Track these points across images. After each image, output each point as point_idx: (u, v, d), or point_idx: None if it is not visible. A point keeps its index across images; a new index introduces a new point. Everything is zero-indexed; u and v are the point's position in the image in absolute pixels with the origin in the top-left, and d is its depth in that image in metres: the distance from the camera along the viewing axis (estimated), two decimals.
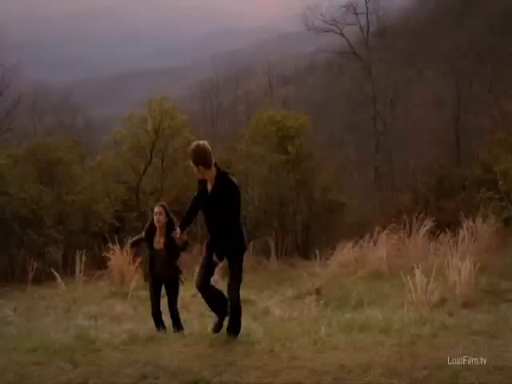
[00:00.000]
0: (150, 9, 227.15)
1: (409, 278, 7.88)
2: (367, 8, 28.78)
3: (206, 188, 5.87)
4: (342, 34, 29.19)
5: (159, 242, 7.08)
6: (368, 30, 28.87)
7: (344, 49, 31.19)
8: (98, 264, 12.10)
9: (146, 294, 9.41)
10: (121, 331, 6.39)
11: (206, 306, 6.28)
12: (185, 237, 6.46)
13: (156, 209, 7.07)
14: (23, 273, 11.38)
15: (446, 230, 12.60)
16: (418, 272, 7.95)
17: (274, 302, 8.83)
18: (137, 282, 9.68)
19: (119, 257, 10.70)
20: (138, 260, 10.39)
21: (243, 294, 9.35)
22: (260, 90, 34.22)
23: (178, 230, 6.27)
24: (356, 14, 28.90)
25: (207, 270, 5.94)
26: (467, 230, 11.43)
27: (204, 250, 6.02)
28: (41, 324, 7.55)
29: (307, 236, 15.39)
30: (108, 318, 7.92)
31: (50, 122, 32.14)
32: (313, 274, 11.02)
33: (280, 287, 10.73)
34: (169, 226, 7.00)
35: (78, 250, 10.95)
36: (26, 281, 11.05)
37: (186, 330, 6.47)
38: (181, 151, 13.46)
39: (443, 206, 17.53)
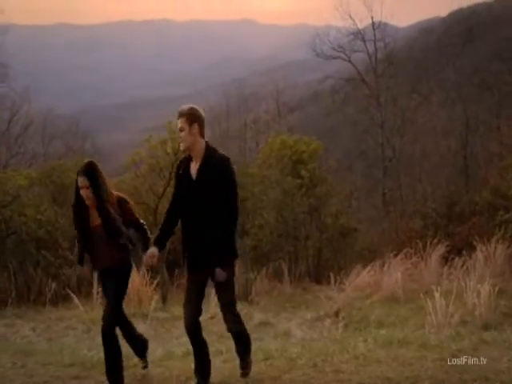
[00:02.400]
0: (155, 38, 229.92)
1: (428, 300, 7.94)
2: (375, 35, 29.16)
3: (188, 169, 4.80)
4: (350, 61, 29.54)
5: (94, 216, 5.30)
6: (376, 57, 29.21)
7: (351, 76, 31.55)
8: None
9: (165, 315, 9.46)
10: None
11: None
12: (155, 260, 4.88)
13: (79, 181, 5.21)
14: (39, 294, 11.39)
15: (459, 254, 12.72)
16: (437, 295, 8.01)
17: (293, 324, 8.82)
18: (156, 303, 9.67)
19: (136, 278, 10.71)
20: (156, 281, 10.42)
21: (261, 316, 9.42)
22: (268, 116, 34.49)
23: (152, 250, 4.84)
24: (364, 41, 29.26)
25: (197, 302, 4.78)
26: (481, 253, 11.56)
27: (186, 273, 4.84)
28: (63, 343, 7.55)
29: (319, 260, 15.39)
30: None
31: (59, 147, 32.47)
32: (328, 297, 11.04)
33: (297, 310, 10.73)
34: (99, 195, 5.22)
35: (93, 272, 10.96)
36: (42, 302, 11.06)
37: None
38: None
39: (454, 232, 17.56)
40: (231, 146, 28.50)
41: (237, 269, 10.78)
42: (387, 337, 5.59)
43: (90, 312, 10.86)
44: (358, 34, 29.49)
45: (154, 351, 5.53)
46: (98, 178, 5.24)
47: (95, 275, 6.41)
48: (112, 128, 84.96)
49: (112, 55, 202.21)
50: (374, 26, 29.88)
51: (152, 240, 5.05)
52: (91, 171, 5.24)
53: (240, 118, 34.30)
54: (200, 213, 4.69)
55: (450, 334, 5.75)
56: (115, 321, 5.21)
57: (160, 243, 4.90)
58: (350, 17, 29.91)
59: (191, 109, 4.80)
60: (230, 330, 4.93)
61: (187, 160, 4.85)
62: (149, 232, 5.38)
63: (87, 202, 5.24)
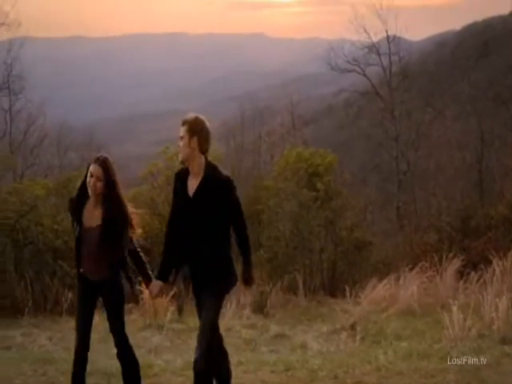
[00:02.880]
0: (168, 51, 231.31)
1: (445, 314, 7.92)
2: (389, 49, 29.22)
3: (185, 185, 4.60)
4: (364, 75, 29.60)
5: (92, 215, 4.74)
6: (390, 71, 29.27)
7: (365, 89, 31.62)
8: (128, 297, 12.10)
9: (181, 326, 9.46)
10: (164, 360, 6.39)
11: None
12: (162, 294, 4.74)
13: (92, 168, 4.71)
14: (55, 303, 11.44)
15: (475, 269, 12.67)
16: (454, 308, 7.98)
17: (309, 337, 8.79)
18: (172, 314, 9.69)
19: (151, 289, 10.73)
20: (172, 292, 10.41)
21: (277, 328, 9.40)
22: (283, 129, 34.59)
23: (156, 283, 4.63)
24: (379, 54, 29.33)
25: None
26: (498, 267, 11.50)
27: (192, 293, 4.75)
28: None
29: (333, 273, 15.37)
30: (145, 350, 7.91)
31: (74, 158, 32.72)
32: (344, 310, 11.01)
33: (312, 323, 10.68)
34: (108, 195, 4.78)
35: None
36: (58, 311, 11.10)
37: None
38: None
39: (469, 246, 17.48)
40: (246, 159, 28.60)
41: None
42: (407, 349, 5.57)
43: (105, 321, 10.91)
44: (373, 48, 29.61)
45: (173, 361, 5.54)
46: (113, 175, 4.81)
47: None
48: (124, 140, 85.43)
49: (126, 68, 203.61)
50: (389, 39, 29.98)
51: (156, 273, 4.78)
52: (107, 165, 4.80)
53: (254, 131, 34.42)
54: (197, 231, 4.49)
55: (470, 348, 5.70)
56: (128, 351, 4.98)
57: (163, 277, 4.67)
58: (365, 30, 30.04)
59: (195, 120, 4.58)
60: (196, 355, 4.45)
61: (185, 174, 4.65)
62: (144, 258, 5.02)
63: (91, 196, 4.74)
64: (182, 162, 4.65)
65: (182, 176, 4.64)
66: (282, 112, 36.32)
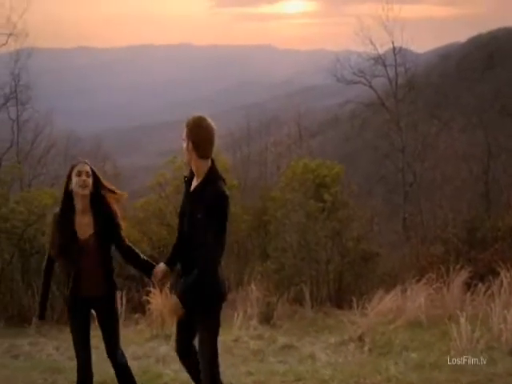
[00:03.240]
0: (175, 62, 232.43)
1: (453, 325, 7.89)
2: (396, 60, 29.29)
3: (190, 183, 4.46)
4: (370, 86, 29.65)
5: (83, 225, 4.51)
6: (397, 82, 29.33)
7: (371, 100, 31.67)
8: (136, 307, 12.13)
9: None
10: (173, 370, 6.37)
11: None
12: (168, 279, 4.64)
13: (79, 167, 4.55)
14: (61, 313, 11.44)
15: (482, 280, 12.63)
16: (462, 320, 7.96)
17: (317, 348, 8.75)
18: None
19: (159, 300, 10.73)
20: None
21: (284, 339, 9.37)
22: (289, 140, 34.66)
23: (161, 266, 4.50)
24: (385, 66, 29.41)
25: (187, 326, 4.42)
26: (505, 279, 11.46)
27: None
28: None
29: (340, 285, 15.35)
30: (153, 360, 7.91)
31: None
32: (351, 322, 10.98)
33: (319, 334, 10.65)
34: (97, 199, 4.62)
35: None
36: (64, 321, 11.09)
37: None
38: None
39: (476, 258, 17.44)
40: (252, 170, 28.62)
41: (260, 292, 10.76)
42: (418, 360, 5.55)
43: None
44: (379, 59, 29.69)
45: (182, 371, 5.51)
46: (96, 171, 4.68)
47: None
48: (131, 150, 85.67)
49: (132, 78, 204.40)
50: (395, 50, 30.05)
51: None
52: (90, 164, 4.70)
53: (261, 141, 34.50)
54: (189, 231, 4.32)
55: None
56: (125, 364, 4.81)
57: (170, 263, 4.51)
58: (371, 42, 30.12)
59: (193, 121, 4.37)
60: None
61: (192, 175, 4.50)
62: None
63: (79, 202, 4.52)
64: (187, 164, 4.51)
65: (189, 178, 4.49)
66: (288, 123, 36.41)
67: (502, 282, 11.41)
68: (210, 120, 4.37)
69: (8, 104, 30.02)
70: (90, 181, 4.53)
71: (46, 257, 4.87)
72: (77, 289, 4.61)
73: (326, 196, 13.48)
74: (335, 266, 14.96)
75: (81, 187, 4.48)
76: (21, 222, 12.34)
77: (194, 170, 4.37)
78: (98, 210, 4.59)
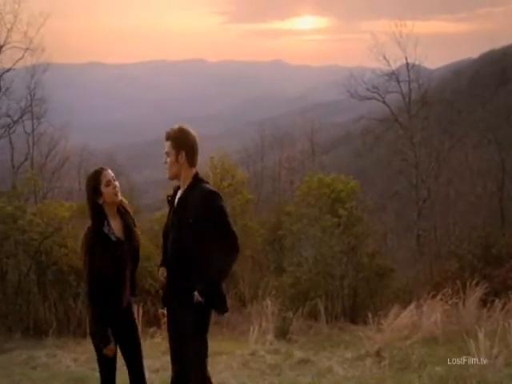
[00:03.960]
0: (187, 78, 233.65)
1: (472, 341, 7.85)
2: (409, 76, 29.36)
3: (174, 196, 4.41)
4: (384, 102, 29.71)
5: (116, 230, 4.46)
6: (410, 98, 29.39)
7: (384, 116, 31.71)
8: (151, 320, 12.14)
9: None
10: None
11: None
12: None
13: (105, 175, 4.45)
14: (78, 325, 11.49)
15: (498, 297, 12.58)
16: (481, 335, 7.91)
17: (334, 362, 8.73)
18: None
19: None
20: None
21: (301, 354, 9.34)
22: (302, 156, 34.75)
23: (162, 270, 4.42)
24: (398, 81, 29.48)
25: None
26: None
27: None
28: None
29: (354, 300, 15.31)
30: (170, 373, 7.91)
31: None
32: (367, 337, 10.95)
33: (335, 349, 10.61)
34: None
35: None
36: (81, 333, 11.13)
37: None
38: (239, 210, 13.72)
39: (491, 274, 17.37)
40: (265, 185, 28.71)
41: (275, 306, 10.73)
42: (442, 373, 5.53)
43: None
44: (393, 75, 29.78)
45: None
46: None
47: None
48: (143, 165, 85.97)
49: (144, 94, 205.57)
50: (408, 66, 30.12)
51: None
52: None
53: (274, 157, 34.63)
54: (172, 246, 4.27)
55: (507, 373, 5.66)
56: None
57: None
58: (385, 57, 30.23)
59: (179, 132, 4.29)
60: None
61: (177, 188, 4.46)
62: None
63: (110, 207, 4.43)
64: (171, 179, 4.41)
65: (174, 194, 4.44)
66: (301, 139, 36.50)
67: None
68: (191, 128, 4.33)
69: (24, 118, 30.31)
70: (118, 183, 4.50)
71: (88, 282, 4.49)
72: (120, 300, 4.50)
73: (341, 211, 13.48)
74: (350, 282, 14.93)
75: (115, 195, 4.45)
76: (38, 234, 12.42)
77: (182, 180, 4.29)
78: (123, 215, 4.56)
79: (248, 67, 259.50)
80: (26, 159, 29.30)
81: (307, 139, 35.28)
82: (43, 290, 12.33)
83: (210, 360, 8.61)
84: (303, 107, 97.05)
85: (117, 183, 4.48)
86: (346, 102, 42.39)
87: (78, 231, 13.61)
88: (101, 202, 4.43)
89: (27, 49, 29.21)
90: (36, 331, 11.50)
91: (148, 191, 43.06)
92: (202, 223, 4.05)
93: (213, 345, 9.61)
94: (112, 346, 4.40)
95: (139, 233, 4.65)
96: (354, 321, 14.57)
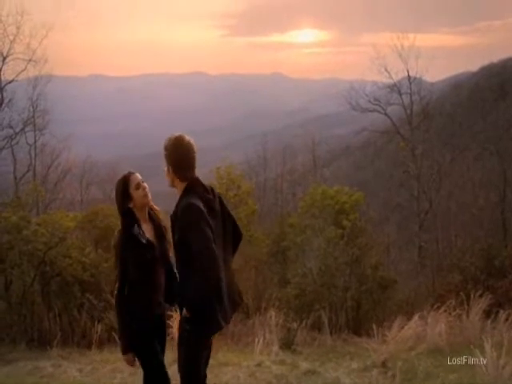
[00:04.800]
0: (188, 91, 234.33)
1: (478, 352, 7.86)
2: (411, 88, 29.48)
3: None
4: (386, 114, 29.82)
5: (148, 234, 4.41)
6: (411, 110, 29.50)
7: (385, 128, 31.82)
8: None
9: (211, 361, 9.42)
10: None
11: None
12: None
13: (134, 179, 4.49)
14: (82, 336, 11.47)
15: (501, 308, 12.59)
16: (487, 346, 7.92)
17: (341, 373, 8.73)
18: None
19: (175, 322, 10.75)
20: None
21: (307, 365, 9.34)
22: (303, 168, 34.83)
23: None
24: (400, 94, 29.61)
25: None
26: None
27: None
28: None
29: (357, 312, 15.30)
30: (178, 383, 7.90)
31: (97, 193, 33.07)
32: (372, 349, 10.94)
33: (341, 360, 10.60)
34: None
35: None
36: (85, 344, 11.12)
37: None
38: (245, 221, 13.76)
39: (494, 286, 17.37)
40: (268, 197, 28.75)
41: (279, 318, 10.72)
42: (456, 381, 5.54)
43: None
44: (394, 87, 29.90)
45: None
46: None
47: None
48: (146, 177, 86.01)
49: (146, 106, 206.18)
50: (410, 79, 30.24)
51: None
52: None
53: (276, 169, 34.71)
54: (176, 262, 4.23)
55: None
56: None
57: None
58: (386, 70, 30.35)
59: (170, 145, 4.19)
60: None
61: None
62: None
63: (141, 212, 4.40)
64: (170, 187, 4.36)
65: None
66: (302, 151, 36.59)
67: None
68: (188, 138, 4.18)
69: (26, 129, 30.35)
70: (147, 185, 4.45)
71: (116, 288, 4.41)
72: (152, 307, 4.43)
73: (345, 222, 13.51)
74: (353, 293, 14.93)
75: (145, 197, 4.45)
76: (42, 244, 12.43)
77: (177, 193, 4.22)
78: (154, 220, 4.52)
79: (248, 80, 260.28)
80: (28, 170, 29.31)
81: (308, 152, 35.37)
82: (47, 300, 12.33)
83: (216, 370, 8.63)
84: (304, 120, 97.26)
85: (146, 185, 4.47)
86: (347, 115, 42.54)
87: (82, 242, 13.66)
88: (131, 205, 4.41)
89: (30, 60, 29.29)
90: (40, 342, 11.48)
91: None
92: (183, 240, 3.97)
93: (218, 356, 9.67)
94: (130, 356, 4.38)
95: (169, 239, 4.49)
96: (357, 332, 14.55)
